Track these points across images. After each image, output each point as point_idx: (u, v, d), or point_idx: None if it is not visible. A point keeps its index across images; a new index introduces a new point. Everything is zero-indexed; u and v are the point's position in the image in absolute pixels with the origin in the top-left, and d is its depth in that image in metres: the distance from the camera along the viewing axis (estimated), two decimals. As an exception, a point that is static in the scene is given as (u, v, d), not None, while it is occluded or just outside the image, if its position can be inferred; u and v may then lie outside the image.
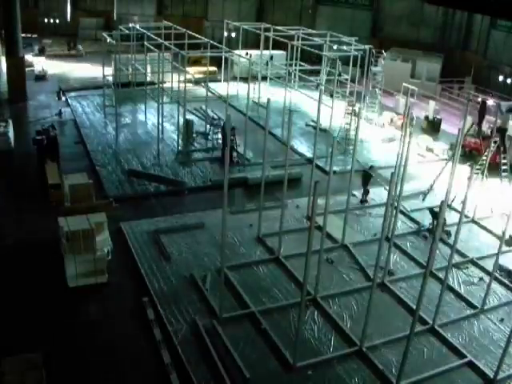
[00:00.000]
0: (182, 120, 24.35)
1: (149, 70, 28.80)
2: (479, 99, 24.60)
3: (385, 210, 12.49)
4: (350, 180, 16.99)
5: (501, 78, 36.43)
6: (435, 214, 17.18)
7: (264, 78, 31.71)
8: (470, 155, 24.77)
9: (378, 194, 20.85)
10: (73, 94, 32.26)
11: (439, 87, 36.07)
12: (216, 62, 34.85)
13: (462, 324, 14.05)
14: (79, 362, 12.03)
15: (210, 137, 25.06)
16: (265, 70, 31.69)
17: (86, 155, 23.47)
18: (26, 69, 31.66)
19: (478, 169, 19.32)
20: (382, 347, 12.91)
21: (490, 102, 22.99)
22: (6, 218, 17.58)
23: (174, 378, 11.53)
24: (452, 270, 15.88)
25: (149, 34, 27.11)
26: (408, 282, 15.63)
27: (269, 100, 17.25)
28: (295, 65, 32.32)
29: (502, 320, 14.26)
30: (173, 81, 26.26)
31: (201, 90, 27.47)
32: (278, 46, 32.91)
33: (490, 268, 15.59)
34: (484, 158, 19.66)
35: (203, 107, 27.70)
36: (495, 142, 19.63)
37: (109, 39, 27.98)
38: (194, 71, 32.35)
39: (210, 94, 26.14)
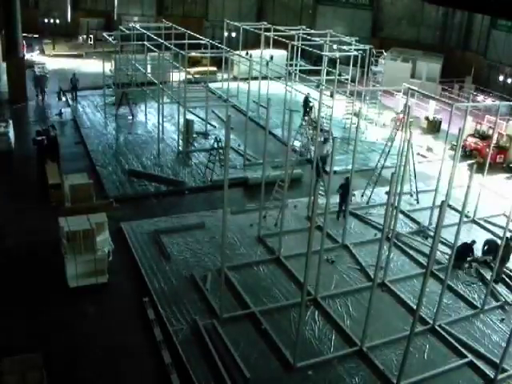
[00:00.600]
0: (182, 120, 24.35)
1: (149, 70, 28.82)
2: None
3: (385, 210, 12.48)
4: (351, 180, 16.99)
5: (501, 77, 36.44)
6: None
7: (264, 78, 31.71)
8: (470, 155, 24.82)
9: (378, 193, 20.84)
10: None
11: (439, 87, 36.07)
12: (216, 62, 34.92)
13: (462, 324, 14.04)
14: (79, 362, 12.03)
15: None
16: (265, 70, 31.67)
17: (86, 155, 23.47)
18: (35, 69, 31.88)
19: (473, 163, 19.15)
20: (382, 347, 12.91)
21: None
22: (6, 218, 17.57)
23: (175, 377, 11.53)
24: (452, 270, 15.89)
25: (149, 34, 27.12)
26: (408, 282, 15.62)
27: (269, 100, 17.26)
28: (295, 65, 32.30)
29: (502, 320, 14.25)
30: (173, 81, 26.28)
31: (201, 90, 27.45)
32: (278, 45, 32.93)
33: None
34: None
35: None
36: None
37: (109, 39, 28.00)
38: (193, 71, 32.37)
39: (210, 94, 26.15)
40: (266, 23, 32.89)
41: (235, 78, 33.82)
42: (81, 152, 23.86)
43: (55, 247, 15.26)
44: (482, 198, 19.53)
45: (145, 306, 13.79)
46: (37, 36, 46.02)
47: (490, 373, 12.23)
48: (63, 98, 31.29)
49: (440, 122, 29.84)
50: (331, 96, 26.35)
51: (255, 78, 29.35)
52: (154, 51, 25.42)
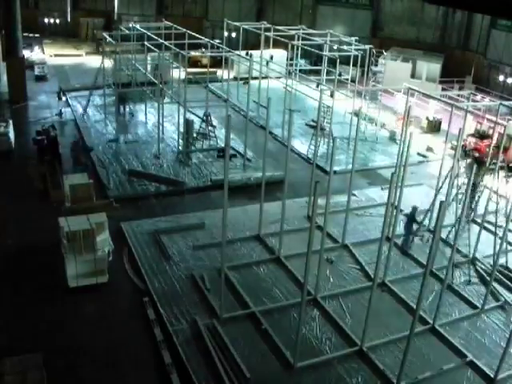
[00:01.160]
0: (182, 120, 24.34)
1: (149, 70, 28.81)
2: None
3: (385, 209, 12.48)
4: (351, 180, 16.98)
5: (501, 77, 36.44)
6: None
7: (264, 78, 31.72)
8: (470, 155, 24.80)
9: (377, 193, 20.85)
10: (73, 94, 32.26)
11: (439, 87, 36.07)
12: (216, 62, 34.90)
13: (462, 324, 14.05)
14: (79, 362, 12.02)
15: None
16: (265, 70, 31.67)
17: (86, 155, 23.44)
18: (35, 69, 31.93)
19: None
20: (382, 347, 12.91)
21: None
22: (6, 218, 17.58)
23: (175, 377, 11.54)
24: (452, 270, 15.88)
25: (149, 33, 27.11)
26: (408, 282, 15.62)
27: (269, 100, 17.25)
28: (295, 64, 32.31)
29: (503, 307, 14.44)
30: (173, 81, 26.30)
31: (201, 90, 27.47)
32: (278, 45, 32.93)
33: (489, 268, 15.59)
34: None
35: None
36: None
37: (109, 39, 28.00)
38: (193, 71, 32.36)
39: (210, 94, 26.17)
40: (265, 23, 32.89)
41: (235, 78, 33.82)
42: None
43: (55, 247, 15.26)
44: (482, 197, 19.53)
45: (145, 305, 13.80)
46: (37, 36, 46.04)
47: (490, 372, 12.24)
48: (63, 98, 31.29)
49: (440, 121, 29.85)
50: (331, 96, 26.35)
51: (255, 78, 29.37)
52: (154, 51, 25.42)
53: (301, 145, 26.09)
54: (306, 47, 29.45)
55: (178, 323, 13.21)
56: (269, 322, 13.40)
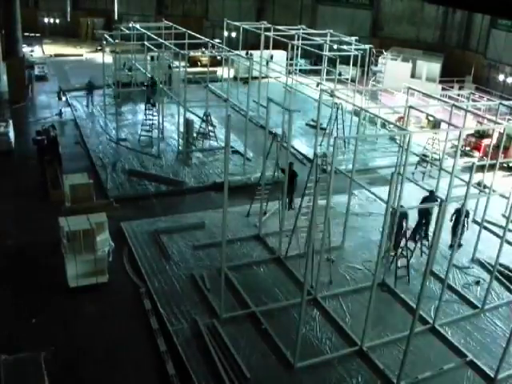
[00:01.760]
0: (182, 120, 24.34)
1: (149, 69, 28.81)
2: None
3: (385, 209, 12.48)
4: (351, 179, 16.95)
5: (501, 77, 36.43)
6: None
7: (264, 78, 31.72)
8: (469, 154, 24.84)
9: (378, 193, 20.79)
10: (73, 93, 32.27)
11: (439, 87, 36.06)
12: (216, 61, 34.90)
13: (462, 323, 14.05)
14: (79, 362, 12.03)
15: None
16: (265, 70, 31.67)
17: (86, 155, 23.48)
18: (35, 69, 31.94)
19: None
20: (382, 347, 12.91)
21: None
22: (6, 218, 17.59)
23: (175, 377, 11.53)
24: (453, 270, 15.90)
25: (149, 33, 27.12)
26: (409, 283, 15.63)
27: (269, 100, 17.24)
28: (295, 64, 32.30)
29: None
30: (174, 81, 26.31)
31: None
32: (278, 45, 32.91)
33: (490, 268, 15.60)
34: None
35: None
36: None
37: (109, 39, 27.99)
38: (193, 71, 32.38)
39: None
40: (265, 23, 32.89)
41: (235, 78, 33.81)
42: (81, 152, 23.86)
43: (55, 247, 15.27)
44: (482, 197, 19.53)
45: (145, 305, 13.80)
46: (37, 35, 46.06)
47: (491, 372, 12.24)
48: (63, 98, 31.30)
49: (440, 121, 29.80)
50: (331, 96, 26.31)
51: (255, 78, 29.36)
52: (154, 51, 25.42)
53: (301, 145, 26.09)
54: (305, 47, 29.43)
55: (178, 323, 13.21)
56: (269, 322, 13.40)
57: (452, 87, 35.35)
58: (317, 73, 33.74)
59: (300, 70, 32.99)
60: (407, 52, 39.45)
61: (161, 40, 26.26)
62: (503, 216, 18.99)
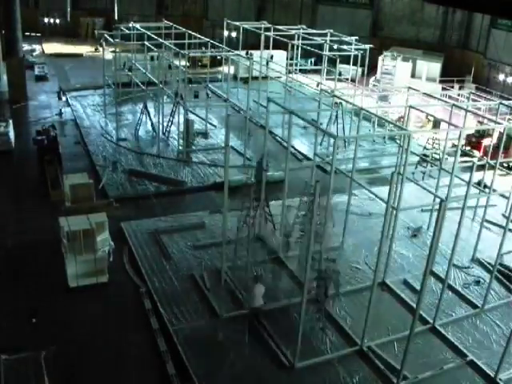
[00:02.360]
0: (182, 119, 24.35)
1: (149, 69, 28.80)
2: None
3: (385, 210, 12.49)
4: (351, 179, 16.95)
5: (501, 77, 36.43)
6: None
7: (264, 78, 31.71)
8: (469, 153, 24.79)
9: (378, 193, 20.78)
10: (73, 93, 32.27)
11: (439, 87, 36.05)
12: (216, 61, 34.90)
13: (462, 323, 14.04)
14: (79, 362, 12.03)
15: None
16: (265, 70, 31.66)
17: (86, 155, 23.47)
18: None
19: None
20: (382, 347, 12.90)
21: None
22: (6, 218, 17.59)
23: (175, 377, 11.54)
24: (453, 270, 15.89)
25: (149, 33, 27.12)
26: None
27: (269, 100, 17.23)
28: (295, 64, 32.30)
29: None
30: (173, 81, 26.30)
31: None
32: (278, 45, 32.92)
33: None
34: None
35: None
36: None
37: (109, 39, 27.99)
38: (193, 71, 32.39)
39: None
40: (265, 22, 32.88)
41: (235, 78, 33.81)
42: (81, 152, 23.85)
43: (55, 247, 15.27)
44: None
45: (145, 305, 13.80)
46: (37, 35, 46.05)
47: (491, 372, 12.23)
48: (63, 98, 31.30)
49: (440, 121, 29.77)
50: (333, 96, 26.31)
51: (255, 78, 29.35)
52: (155, 51, 25.42)
53: (301, 145, 26.08)
54: (305, 47, 29.42)
55: (178, 323, 13.21)
56: (269, 321, 13.39)
57: (452, 87, 35.34)
58: (317, 72, 33.72)
59: (300, 70, 32.97)
60: (407, 52, 39.44)
61: (161, 40, 26.26)
62: (503, 216, 19.00)
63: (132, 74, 28.89)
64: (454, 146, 22.06)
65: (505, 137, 19.32)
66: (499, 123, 19.21)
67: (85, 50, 44.59)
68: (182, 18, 46.92)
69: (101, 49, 33.91)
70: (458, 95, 31.92)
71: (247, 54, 28.97)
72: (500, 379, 12.04)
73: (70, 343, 12.52)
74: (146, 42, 25.77)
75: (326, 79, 29.57)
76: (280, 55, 35.34)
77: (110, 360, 12.18)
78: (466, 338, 13.45)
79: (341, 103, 23.66)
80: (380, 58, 36.00)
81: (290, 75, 31.17)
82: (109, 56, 28.91)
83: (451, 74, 36.85)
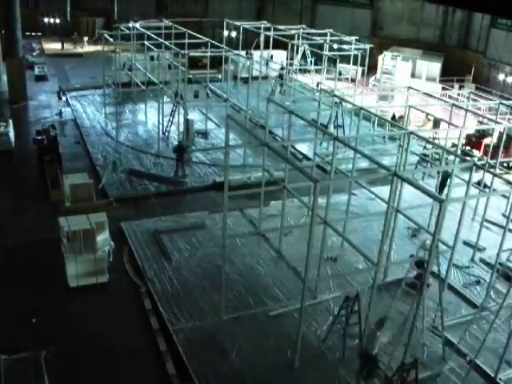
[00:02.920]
0: (182, 119, 24.35)
1: (149, 69, 28.79)
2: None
3: (386, 209, 12.48)
4: (351, 179, 16.96)
5: (501, 76, 36.43)
6: None
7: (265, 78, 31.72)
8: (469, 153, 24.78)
9: (378, 193, 20.78)
10: (73, 93, 32.26)
11: (439, 86, 36.05)
12: (216, 61, 34.83)
13: (462, 323, 14.03)
14: (79, 362, 12.03)
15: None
16: (265, 69, 31.69)
17: (86, 155, 23.47)
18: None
19: None
20: (382, 347, 12.87)
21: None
22: (6, 218, 17.59)
23: (175, 377, 11.53)
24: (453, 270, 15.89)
25: (149, 33, 27.11)
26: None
27: (269, 99, 17.25)
28: (295, 64, 32.30)
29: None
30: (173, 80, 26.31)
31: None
32: (278, 45, 32.93)
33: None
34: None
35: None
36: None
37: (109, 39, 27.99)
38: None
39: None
40: (265, 22, 32.88)
41: (235, 78, 33.79)
42: (81, 152, 23.85)
43: (55, 247, 15.27)
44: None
45: (145, 305, 13.80)
46: (37, 35, 46.02)
47: (491, 372, 12.22)
48: (63, 98, 31.29)
49: (440, 121, 29.78)
50: (333, 96, 26.33)
51: (255, 78, 29.36)
52: (154, 51, 25.41)
53: (301, 144, 26.05)
54: (305, 46, 29.44)
55: (178, 323, 13.21)
56: (269, 321, 13.39)
57: (452, 87, 35.34)
58: (317, 72, 33.72)
59: (300, 70, 32.97)
60: (407, 52, 39.43)
61: (161, 40, 26.25)
62: (503, 215, 19.00)
63: (132, 74, 28.92)
64: (453, 145, 22.07)
65: (505, 136, 19.39)
66: (499, 123, 19.26)
67: (85, 50, 44.54)
68: (181, 17, 46.90)
69: (101, 48, 33.89)
70: (458, 95, 31.91)
71: (247, 53, 29.00)
72: (500, 379, 12.05)
73: (70, 343, 12.52)
74: (146, 42, 25.77)
75: (326, 79, 29.57)
76: (280, 55, 35.32)
77: (110, 360, 12.18)
78: (465, 338, 13.42)
79: (341, 103, 23.66)
80: (380, 57, 35.98)
81: (290, 75, 31.15)
82: (109, 59, 28.90)
83: (451, 73, 36.85)
